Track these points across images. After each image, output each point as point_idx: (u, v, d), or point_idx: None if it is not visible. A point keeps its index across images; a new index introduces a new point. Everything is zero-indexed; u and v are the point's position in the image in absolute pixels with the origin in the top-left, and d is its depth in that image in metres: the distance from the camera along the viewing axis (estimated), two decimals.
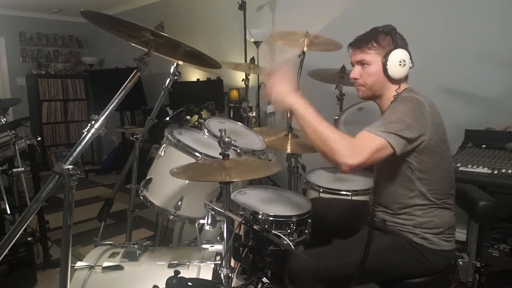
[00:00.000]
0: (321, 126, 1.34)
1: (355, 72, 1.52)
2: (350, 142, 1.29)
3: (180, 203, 1.79)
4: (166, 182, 1.83)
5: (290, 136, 2.49)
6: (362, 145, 1.28)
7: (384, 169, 1.50)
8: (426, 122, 1.35)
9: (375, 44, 1.47)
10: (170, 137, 1.86)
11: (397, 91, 1.48)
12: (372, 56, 1.47)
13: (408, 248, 1.44)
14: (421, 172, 1.40)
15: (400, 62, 1.43)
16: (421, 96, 1.43)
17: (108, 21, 1.35)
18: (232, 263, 1.41)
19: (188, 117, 2.09)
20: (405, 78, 1.52)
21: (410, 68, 1.47)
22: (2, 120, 2.95)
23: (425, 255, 1.43)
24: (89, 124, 1.16)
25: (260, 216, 1.64)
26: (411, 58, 1.47)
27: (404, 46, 1.47)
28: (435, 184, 1.42)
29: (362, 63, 1.50)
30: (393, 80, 1.48)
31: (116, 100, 1.22)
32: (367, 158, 1.27)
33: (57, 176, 1.07)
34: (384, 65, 1.44)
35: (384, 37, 1.47)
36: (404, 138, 1.31)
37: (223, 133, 1.39)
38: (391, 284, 1.50)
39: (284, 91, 1.40)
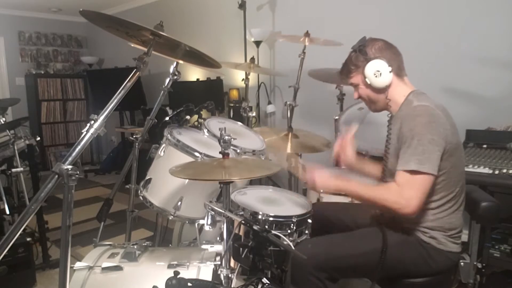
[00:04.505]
0: (367, 192, 1.42)
1: (355, 94, 1.63)
2: (397, 194, 1.34)
3: (179, 203, 1.78)
4: (165, 182, 1.82)
5: (290, 136, 2.49)
6: (409, 191, 1.32)
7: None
8: (445, 127, 1.36)
9: (352, 67, 1.56)
10: (169, 137, 1.85)
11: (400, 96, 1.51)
12: (356, 78, 1.57)
13: (416, 246, 1.44)
14: (438, 178, 1.38)
15: (374, 73, 1.48)
16: (429, 101, 1.43)
17: (107, 21, 1.34)
18: (232, 263, 1.41)
19: (188, 117, 2.08)
20: (401, 81, 1.52)
21: (390, 72, 1.47)
22: (1, 120, 2.94)
23: (432, 254, 1.42)
24: (88, 124, 1.15)
25: (260, 216, 1.63)
26: (391, 62, 1.48)
27: (379, 55, 1.49)
28: (450, 187, 1.41)
29: (353, 86, 1.60)
30: (382, 89, 1.52)
31: (116, 100, 1.22)
32: (420, 198, 1.32)
33: (56, 176, 1.07)
34: (365, 81, 1.52)
35: (356, 56, 1.54)
36: (436, 158, 1.33)
37: (223, 132, 1.39)
38: (392, 283, 1.49)
39: (323, 181, 1.53)
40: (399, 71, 1.52)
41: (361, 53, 1.51)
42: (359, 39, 1.56)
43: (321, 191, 1.53)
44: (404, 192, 1.32)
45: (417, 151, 1.32)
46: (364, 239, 1.49)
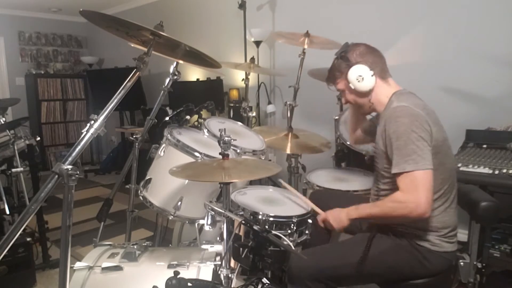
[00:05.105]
0: (376, 209, 1.44)
1: (343, 100, 1.66)
2: (403, 199, 1.34)
3: (179, 203, 1.78)
4: (165, 182, 1.82)
5: (290, 136, 2.49)
6: (413, 192, 1.32)
7: (388, 175, 1.49)
8: (429, 124, 1.37)
9: (337, 73, 1.59)
10: (169, 137, 1.85)
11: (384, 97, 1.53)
12: (341, 84, 1.60)
13: (409, 250, 1.43)
14: None
15: (357, 78, 1.51)
16: (410, 101, 1.43)
17: (107, 21, 1.34)
18: (232, 263, 1.41)
19: (188, 117, 2.09)
20: (385, 82, 1.54)
21: (373, 76, 1.49)
22: (1, 120, 2.93)
23: (427, 256, 1.42)
24: (88, 124, 1.15)
25: (260, 217, 1.63)
26: (373, 66, 1.50)
27: (361, 59, 1.51)
28: (437, 185, 1.41)
29: (340, 91, 1.63)
30: (367, 93, 1.54)
31: (116, 100, 1.22)
32: (427, 196, 1.31)
33: (56, 176, 1.07)
34: (349, 87, 1.55)
35: (339, 62, 1.57)
36: (428, 152, 1.33)
37: (223, 133, 1.39)
38: (391, 286, 1.49)
39: (336, 217, 1.54)
40: (382, 73, 1.54)
41: (343, 59, 1.55)
42: (342, 45, 1.59)
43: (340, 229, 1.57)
44: (409, 195, 1.32)
45: (408, 151, 1.33)
46: (356, 247, 1.49)
